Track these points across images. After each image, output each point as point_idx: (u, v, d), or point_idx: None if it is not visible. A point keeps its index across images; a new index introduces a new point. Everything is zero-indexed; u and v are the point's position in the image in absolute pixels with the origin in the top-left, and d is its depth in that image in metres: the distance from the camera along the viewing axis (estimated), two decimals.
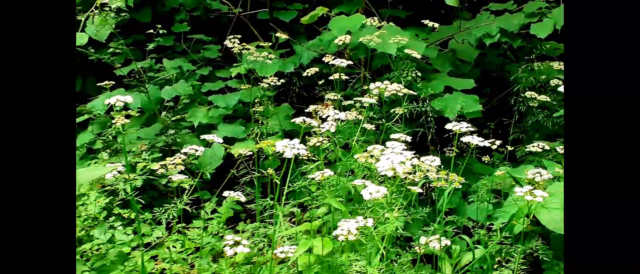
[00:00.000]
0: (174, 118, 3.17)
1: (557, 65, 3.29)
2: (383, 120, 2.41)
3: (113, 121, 3.28)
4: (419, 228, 3.02)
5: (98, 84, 3.41)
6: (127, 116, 3.36)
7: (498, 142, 2.58)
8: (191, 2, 3.93)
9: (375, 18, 2.88)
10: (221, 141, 2.28)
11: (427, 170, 1.89)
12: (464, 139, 2.72)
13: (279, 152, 1.65)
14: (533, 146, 2.75)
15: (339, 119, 2.15)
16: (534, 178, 2.17)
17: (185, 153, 2.43)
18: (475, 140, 2.67)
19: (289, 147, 1.64)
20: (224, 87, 3.52)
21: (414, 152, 2.66)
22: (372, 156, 1.85)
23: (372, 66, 3.40)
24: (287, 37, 3.75)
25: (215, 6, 4.04)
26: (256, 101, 3.44)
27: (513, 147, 3.17)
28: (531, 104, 3.24)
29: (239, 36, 2.57)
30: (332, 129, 2.07)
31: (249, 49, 3.84)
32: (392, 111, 2.66)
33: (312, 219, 2.22)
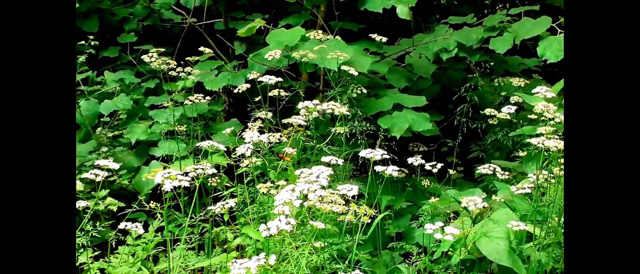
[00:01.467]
0: (111, 134, 3.01)
1: (518, 81, 3.15)
2: (312, 141, 2.26)
3: None
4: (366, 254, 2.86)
5: None
6: None
7: (439, 165, 2.44)
8: (142, 11, 3.78)
9: (319, 31, 2.73)
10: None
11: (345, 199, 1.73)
12: (409, 160, 2.58)
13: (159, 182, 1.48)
14: (484, 168, 2.59)
15: (260, 141, 1.99)
16: (467, 206, 2.01)
17: (108, 169, 2.26)
18: (418, 162, 2.53)
19: (172, 179, 1.48)
20: (169, 101, 3.36)
21: (352, 174, 2.49)
22: (277, 187, 1.69)
23: (326, 81, 3.25)
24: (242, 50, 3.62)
25: (168, 15, 3.89)
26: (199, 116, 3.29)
27: (474, 166, 3.02)
28: (491, 122, 3.09)
29: (154, 50, 2.40)
30: (248, 153, 1.91)
31: (195, 62, 3.70)
32: (332, 130, 2.50)
33: (228, 249, 2.06)
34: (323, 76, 2.98)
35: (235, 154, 1.96)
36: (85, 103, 3.07)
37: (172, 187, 1.48)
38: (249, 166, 2.00)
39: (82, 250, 2.49)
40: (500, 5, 4.70)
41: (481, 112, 3.03)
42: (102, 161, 1.73)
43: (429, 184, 2.38)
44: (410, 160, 2.54)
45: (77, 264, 2.55)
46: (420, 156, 2.93)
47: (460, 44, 3.14)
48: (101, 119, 3.13)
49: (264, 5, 4.07)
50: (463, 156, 3.51)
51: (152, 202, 1.69)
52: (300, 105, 2.14)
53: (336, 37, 2.78)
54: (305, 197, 1.55)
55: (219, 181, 2.24)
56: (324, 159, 2.06)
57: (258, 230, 1.98)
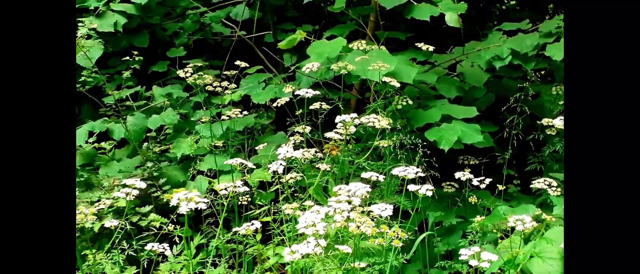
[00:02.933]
0: (158, 149, 3.01)
1: None
2: (353, 156, 2.17)
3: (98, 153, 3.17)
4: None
5: (100, 111, 3.31)
6: (116, 146, 3.21)
7: (488, 181, 2.31)
8: (192, 25, 3.79)
9: (363, 42, 2.64)
10: None
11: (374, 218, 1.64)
12: (457, 174, 2.46)
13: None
14: (539, 182, 2.44)
15: (291, 157, 1.92)
16: (515, 226, 1.88)
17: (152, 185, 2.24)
18: (465, 176, 2.40)
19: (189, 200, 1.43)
20: (216, 115, 3.34)
21: (399, 190, 2.39)
22: (303, 209, 1.61)
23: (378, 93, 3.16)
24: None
25: (217, 29, 3.88)
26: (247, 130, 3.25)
27: (533, 178, 2.87)
28: (549, 132, 2.93)
29: (200, 64, 2.37)
30: (280, 170, 1.85)
31: (236, 76, 3.67)
32: (377, 144, 2.41)
33: (264, 268, 2.00)
34: (372, 88, 2.89)
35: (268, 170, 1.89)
36: (132, 118, 3.08)
37: (188, 210, 1.42)
38: (284, 182, 1.93)
39: (119, 268, 2.49)
40: (561, 10, 4.50)
41: (538, 122, 2.88)
42: (131, 179, 1.70)
43: (476, 200, 2.26)
44: (457, 175, 2.42)
45: None
46: (471, 169, 2.79)
47: (514, 52, 2.99)
48: (149, 134, 3.13)
49: (312, 16, 4.02)
50: (520, 168, 3.34)
51: (173, 226, 1.64)
52: (337, 119, 2.06)
53: (381, 47, 2.68)
54: (331, 219, 1.47)
55: (250, 198, 2.18)
56: (364, 175, 1.98)
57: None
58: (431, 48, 2.71)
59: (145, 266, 2.38)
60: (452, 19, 2.83)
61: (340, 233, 1.63)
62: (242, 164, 1.82)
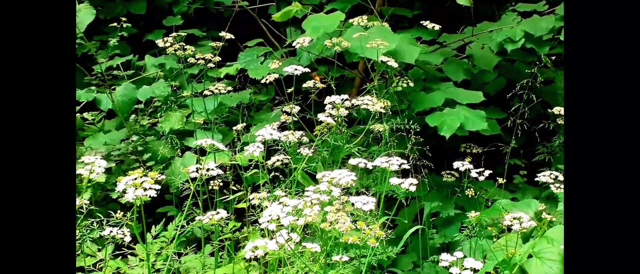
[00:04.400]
0: (146, 122, 2.87)
1: None
2: (343, 141, 2.01)
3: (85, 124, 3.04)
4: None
5: (85, 79, 3.16)
6: (106, 117, 3.07)
7: (487, 173, 2.14)
8: None
9: (364, 17, 2.47)
10: None
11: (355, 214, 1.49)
12: (456, 164, 2.29)
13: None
14: (544, 175, 2.26)
15: (273, 139, 1.77)
16: (511, 225, 1.71)
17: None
18: (465, 167, 2.23)
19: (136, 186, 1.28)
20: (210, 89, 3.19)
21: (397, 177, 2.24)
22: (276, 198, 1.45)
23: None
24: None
25: None
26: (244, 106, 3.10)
27: (541, 169, 2.69)
28: (560, 122, 2.75)
29: (184, 33, 2.22)
30: (256, 153, 1.69)
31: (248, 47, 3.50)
32: (370, 128, 2.25)
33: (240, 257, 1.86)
34: (370, 68, 2.72)
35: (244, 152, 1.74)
36: (121, 88, 2.94)
37: (134, 197, 1.28)
38: (264, 166, 1.78)
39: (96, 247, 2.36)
40: None
41: (549, 110, 2.70)
42: (90, 157, 1.56)
43: (473, 193, 2.09)
44: (456, 164, 2.25)
45: (96, 260, 2.42)
46: (473, 158, 2.63)
47: (527, 34, 2.80)
48: (138, 106, 2.98)
49: None
50: (529, 158, 3.16)
51: None
52: (326, 100, 1.90)
53: (383, 24, 2.51)
54: (300, 213, 1.32)
55: (220, 183, 2.03)
56: (352, 161, 1.82)
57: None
58: (437, 27, 2.53)
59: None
60: None
61: (315, 227, 1.48)
62: (211, 145, 1.67)
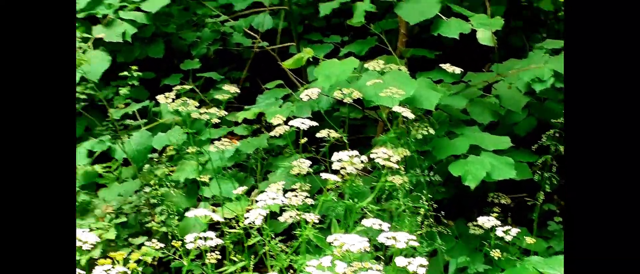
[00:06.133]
0: (160, 172, 2.78)
1: None
2: (353, 200, 1.88)
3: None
4: None
5: (97, 129, 3.10)
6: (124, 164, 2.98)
7: (515, 231, 1.99)
8: (210, 35, 3.56)
9: (380, 61, 2.35)
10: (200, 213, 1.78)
11: None
12: (481, 219, 2.15)
13: None
14: None
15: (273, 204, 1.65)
16: None
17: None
18: (491, 223, 2.09)
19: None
20: (228, 134, 3.10)
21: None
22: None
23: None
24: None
25: (237, 39, 3.64)
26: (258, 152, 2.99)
27: None
28: None
29: (186, 87, 2.13)
30: (258, 221, 1.58)
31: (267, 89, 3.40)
32: (387, 180, 2.11)
33: None
34: (385, 115, 2.59)
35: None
36: (137, 136, 2.86)
37: None
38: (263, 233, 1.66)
39: None
40: None
41: None
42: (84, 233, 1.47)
43: (500, 255, 1.94)
44: (481, 220, 2.11)
45: None
46: (500, 209, 2.47)
47: (557, 73, 2.64)
48: (153, 155, 2.90)
49: (341, 27, 3.74)
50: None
51: None
52: (334, 157, 1.78)
53: (401, 68, 2.38)
54: None
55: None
56: (365, 222, 1.70)
57: None
58: (458, 70, 2.40)
59: None
60: (485, 37, 2.51)
61: None
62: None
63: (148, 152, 2.88)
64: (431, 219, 2.35)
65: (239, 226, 2.12)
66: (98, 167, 2.83)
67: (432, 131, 2.30)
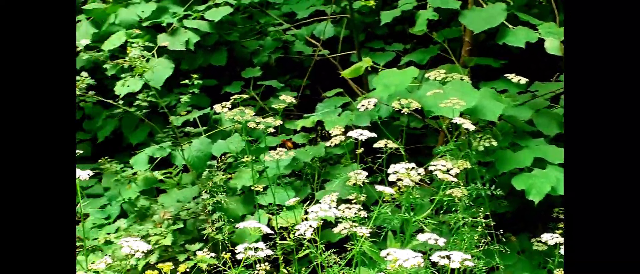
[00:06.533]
0: (219, 179, 2.79)
1: None
2: (409, 213, 1.82)
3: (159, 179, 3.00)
4: None
5: (157, 137, 3.14)
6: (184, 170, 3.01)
7: None
8: (272, 43, 3.56)
9: (441, 71, 2.28)
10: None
11: None
12: (544, 237, 2.05)
13: None
14: None
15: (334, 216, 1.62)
16: None
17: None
18: (554, 240, 1.99)
19: None
20: (287, 141, 3.09)
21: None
22: None
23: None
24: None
25: (299, 48, 3.63)
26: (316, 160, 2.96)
27: None
28: None
29: (243, 96, 2.12)
30: (307, 234, 1.54)
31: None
32: (448, 193, 2.05)
33: None
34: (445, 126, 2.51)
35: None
36: (197, 143, 2.88)
37: None
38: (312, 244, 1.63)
39: None
40: None
41: None
42: (129, 239, 1.47)
43: None
44: (545, 237, 2.01)
45: None
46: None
47: None
48: (211, 162, 2.92)
49: (404, 35, 3.68)
50: None
51: None
52: (390, 169, 1.72)
53: (464, 77, 2.31)
54: None
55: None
56: (420, 237, 1.64)
57: None
58: (523, 80, 2.30)
59: None
60: (553, 47, 2.41)
61: None
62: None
63: (207, 159, 2.89)
64: (492, 234, 2.27)
65: (290, 237, 2.10)
66: (157, 174, 2.86)
67: (494, 143, 2.21)
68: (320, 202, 1.65)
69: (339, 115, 3.01)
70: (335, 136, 2.17)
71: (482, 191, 2.10)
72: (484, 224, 2.12)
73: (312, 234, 1.53)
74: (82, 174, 1.62)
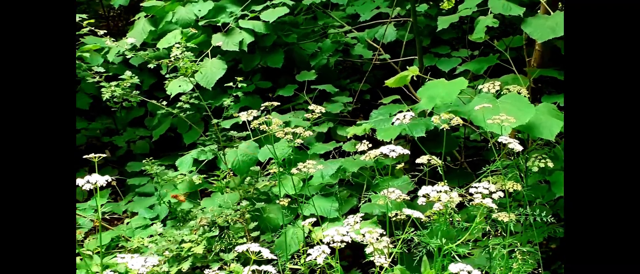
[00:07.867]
0: (261, 186, 2.70)
1: None
2: (442, 240, 1.66)
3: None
4: None
5: (199, 140, 3.09)
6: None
7: None
8: (330, 45, 3.44)
9: (496, 82, 2.10)
10: None
11: None
12: None
13: None
14: None
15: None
16: None
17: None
18: None
19: None
20: (335, 150, 2.97)
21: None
22: None
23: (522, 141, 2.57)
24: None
25: (358, 51, 3.50)
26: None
27: None
28: None
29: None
30: (320, 260, 1.42)
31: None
32: (495, 216, 1.88)
33: None
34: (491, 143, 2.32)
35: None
36: (243, 146, 2.80)
37: None
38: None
39: None
40: None
41: None
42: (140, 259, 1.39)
43: None
44: None
45: None
46: None
47: None
48: (253, 168, 2.83)
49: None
50: None
51: None
52: (420, 192, 1.57)
53: (520, 91, 2.11)
54: None
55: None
56: (453, 268, 1.49)
57: None
58: None
59: None
60: None
61: None
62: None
63: (252, 163, 2.81)
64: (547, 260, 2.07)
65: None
66: (196, 179, 2.79)
67: (550, 165, 2.01)
68: (344, 224, 1.53)
69: (393, 123, 2.86)
70: (383, 144, 2.04)
71: (531, 215, 1.90)
72: (532, 252, 1.93)
73: (323, 261, 1.40)
74: (100, 180, 1.56)
